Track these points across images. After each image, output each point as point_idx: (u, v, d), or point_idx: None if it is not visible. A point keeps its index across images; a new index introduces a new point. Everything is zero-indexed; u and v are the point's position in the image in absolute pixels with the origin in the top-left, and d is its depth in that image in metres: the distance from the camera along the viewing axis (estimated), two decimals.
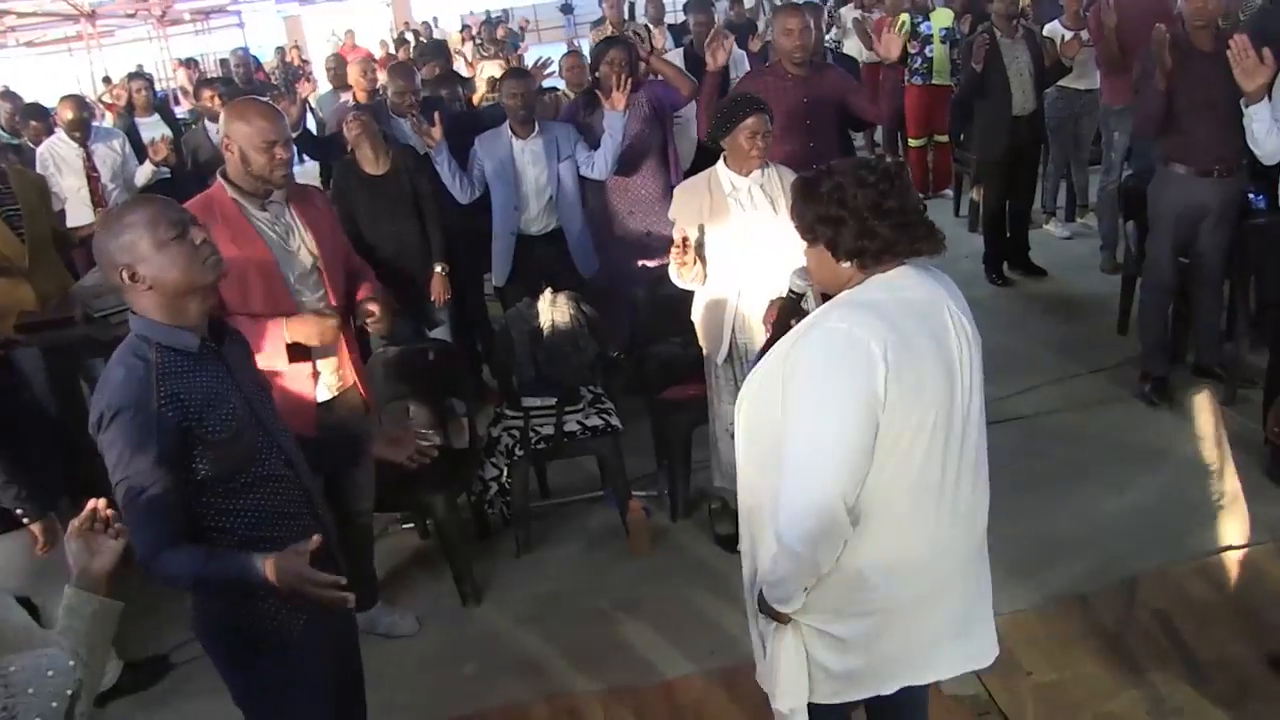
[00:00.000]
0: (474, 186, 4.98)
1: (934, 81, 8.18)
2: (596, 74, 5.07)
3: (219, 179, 3.17)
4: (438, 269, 4.97)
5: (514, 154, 4.97)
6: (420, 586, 4.21)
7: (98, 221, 5.55)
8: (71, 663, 1.66)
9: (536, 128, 4.98)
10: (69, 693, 1.63)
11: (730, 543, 4.09)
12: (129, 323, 2.18)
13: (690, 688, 3.43)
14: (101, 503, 1.88)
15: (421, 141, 4.95)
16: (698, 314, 3.89)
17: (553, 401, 4.33)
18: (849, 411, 1.98)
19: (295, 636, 2.34)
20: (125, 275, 2.11)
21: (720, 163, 3.78)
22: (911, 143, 8.71)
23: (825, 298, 2.22)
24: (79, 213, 6.20)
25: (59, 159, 6.23)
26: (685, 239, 3.61)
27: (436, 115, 4.85)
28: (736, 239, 3.66)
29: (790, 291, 2.44)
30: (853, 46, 9.22)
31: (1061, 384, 5.23)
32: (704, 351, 3.91)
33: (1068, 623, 3.53)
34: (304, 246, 3.27)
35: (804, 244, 2.20)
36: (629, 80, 4.84)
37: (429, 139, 4.78)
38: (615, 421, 4.30)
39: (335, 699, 2.54)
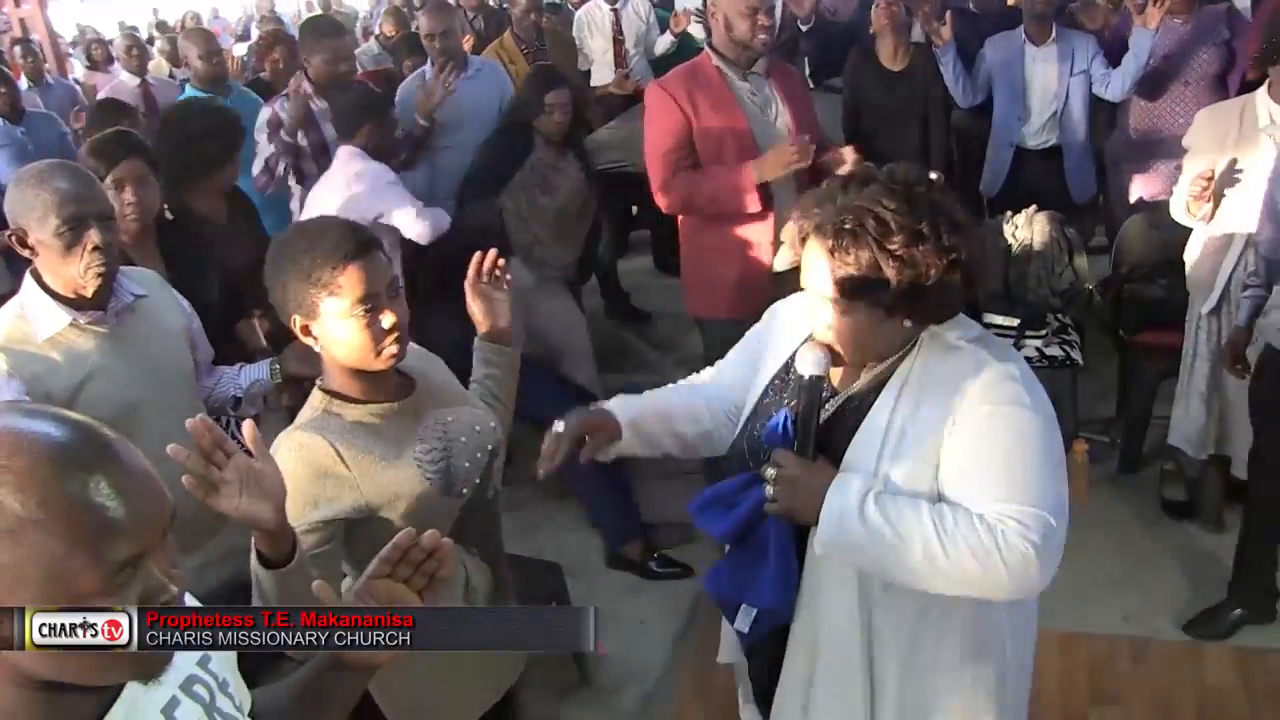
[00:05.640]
0: (976, 90, 4.80)
1: None
2: None
3: (706, 48, 3.35)
4: (933, 175, 4.84)
5: (1024, 59, 4.71)
6: None
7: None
8: (493, 424, 1.97)
9: (1054, 33, 4.68)
10: (489, 447, 1.94)
11: (1175, 509, 3.81)
12: None
13: (1092, 646, 3.25)
14: (492, 254, 2.06)
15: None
16: (1191, 256, 3.55)
17: (1015, 322, 4.16)
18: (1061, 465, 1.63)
19: None
20: None
21: (1262, 90, 3.34)
22: None
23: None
24: (602, 73, 6.73)
25: (593, 22, 6.74)
26: (1211, 174, 3.24)
27: (947, 14, 4.70)
28: (1257, 181, 3.26)
29: (811, 377, 1.67)
30: None
31: None
32: (1189, 298, 3.57)
33: None
34: (781, 119, 3.36)
35: (838, 304, 1.62)
36: None
37: (937, 37, 4.66)
38: (1076, 356, 4.07)
39: None
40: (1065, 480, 1.62)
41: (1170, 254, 3.81)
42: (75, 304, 2.28)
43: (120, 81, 6.19)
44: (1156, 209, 4.13)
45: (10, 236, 2.29)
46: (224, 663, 1.24)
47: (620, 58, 6.67)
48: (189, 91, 4.87)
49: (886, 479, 1.62)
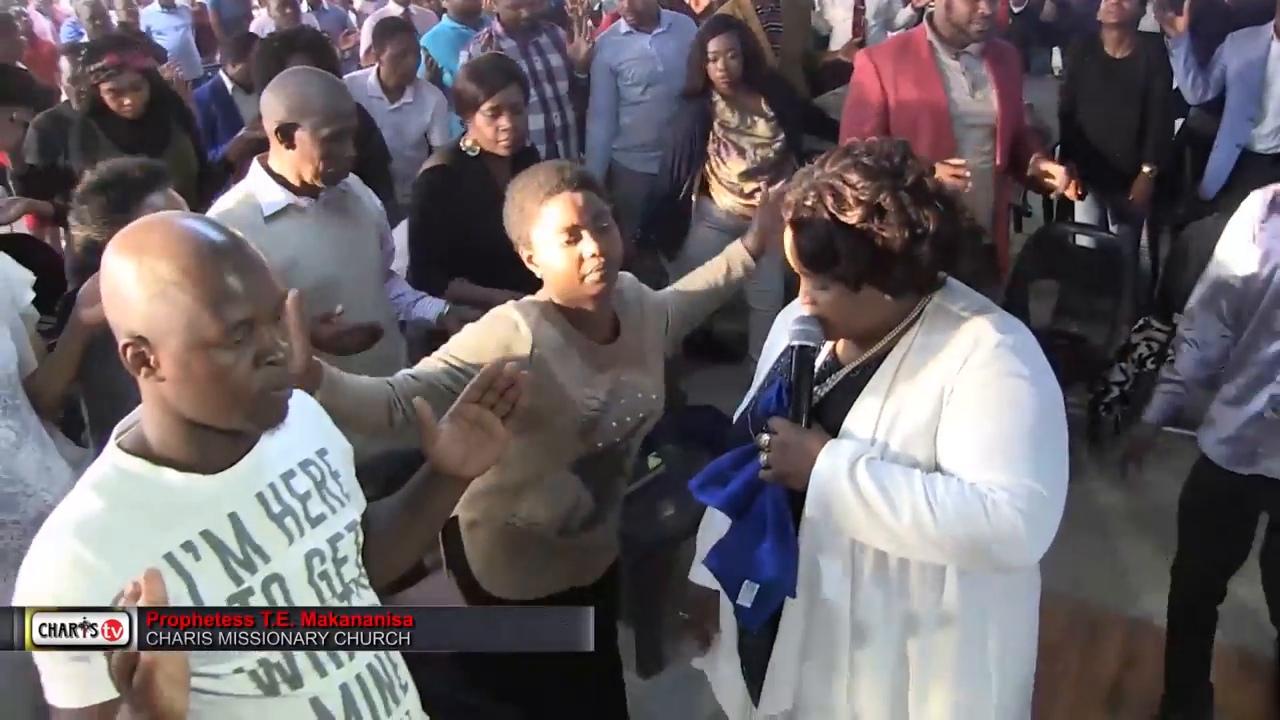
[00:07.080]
0: (1208, 86, 4.62)
1: None
2: None
3: (924, 22, 3.43)
4: (1145, 169, 4.73)
5: (1269, 58, 4.49)
6: None
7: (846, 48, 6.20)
8: (655, 396, 2.15)
9: None
10: (642, 415, 2.13)
11: None
12: None
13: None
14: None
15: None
16: None
17: None
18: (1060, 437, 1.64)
19: None
20: None
21: None
22: None
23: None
24: (840, 42, 6.77)
25: None
26: None
27: (1186, 3, 4.53)
28: None
29: (799, 346, 1.69)
30: None
31: None
32: None
33: None
34: (986, 100, 3.41)
35: (810, 278, 1.69)
36: None
37: (1170, 27, 4.50)
38: None
39: None
40: (1064, 453, 1.63)
41: None
42: (294, 191, 2.67)
43: (386, 9, 6.71)
44: None
45: (274, 128, 2.59)
46: (342, 459, 1.53)
47: (859, 27, 6.69)
48: (445, 22, 5.27)
49: (885, 448, 1.64)
